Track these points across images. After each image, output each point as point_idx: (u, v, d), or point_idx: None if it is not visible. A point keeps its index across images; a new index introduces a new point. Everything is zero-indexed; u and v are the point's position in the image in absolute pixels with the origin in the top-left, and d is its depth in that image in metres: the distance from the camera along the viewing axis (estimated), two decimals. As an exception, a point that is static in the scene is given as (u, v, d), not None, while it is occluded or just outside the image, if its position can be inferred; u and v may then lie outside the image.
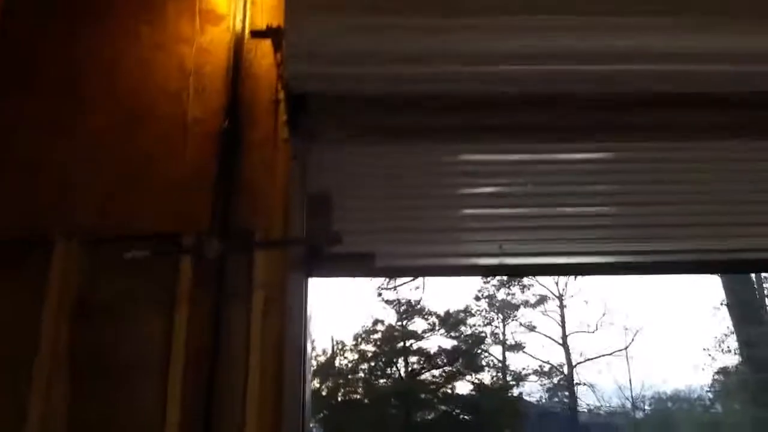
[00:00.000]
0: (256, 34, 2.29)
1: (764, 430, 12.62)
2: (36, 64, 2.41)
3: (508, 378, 20.89)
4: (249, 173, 2.30)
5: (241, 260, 2.16)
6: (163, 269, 2.15)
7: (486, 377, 20.94)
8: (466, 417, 26.06)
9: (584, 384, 20.51)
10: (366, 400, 26.52)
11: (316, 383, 19.27)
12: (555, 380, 21.10)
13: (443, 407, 26.87)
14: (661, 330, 24.70)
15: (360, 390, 26.38)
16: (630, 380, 19.82)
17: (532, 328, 18.74)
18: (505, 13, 2.09)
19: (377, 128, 2.49)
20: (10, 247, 2.19)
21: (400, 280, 16.04)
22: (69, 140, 2.32)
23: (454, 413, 26.41)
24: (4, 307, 2.14)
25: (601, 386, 20.78)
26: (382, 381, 21.50)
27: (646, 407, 20.81)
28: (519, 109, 2.39)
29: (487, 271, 2.65)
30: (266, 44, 2.32)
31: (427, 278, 13.71)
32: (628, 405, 19.98)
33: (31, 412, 2.00)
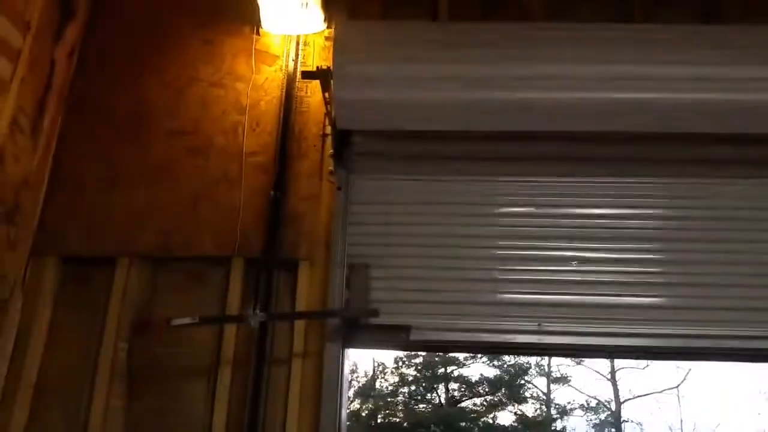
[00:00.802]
0: (307, 74, 2.46)
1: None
2: (105, 110, 2.64)
3: (552, 411, 20.37)
4: (296, 202, 2.47)
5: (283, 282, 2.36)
6: (216, 288, 2.38)
7: (529, 409, 20.46)
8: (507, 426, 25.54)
9: (632, 422, 19.78)
10: (405, 424, 26.26)
11: (356, 404, 19.25)
12: (602, 416, 20.43)
13: (486, 420, 26.35)
14: (715, 369, 23.66)
15: (399, 414, 26.15)
16: (681, 421, 19.01)
17: (579, 361, 18.32)
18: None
19: (418, 161, 2.63)
20: (80, 264, 2.43)
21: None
22: (136, 170, 2.54)
23: (495, 426, 25.86)
24: (70, 321, 2.36)
25: (649, 425, 20.01)
26: (421, 406, 21.32)
27: (698, 432, 19.88)
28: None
29: (524, 350, 2.56)
30: (315, 83, 2.50)
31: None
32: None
33: (92, 418, 2.20)
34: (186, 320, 2.17)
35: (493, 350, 2.56)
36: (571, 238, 2.49)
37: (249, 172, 2.52)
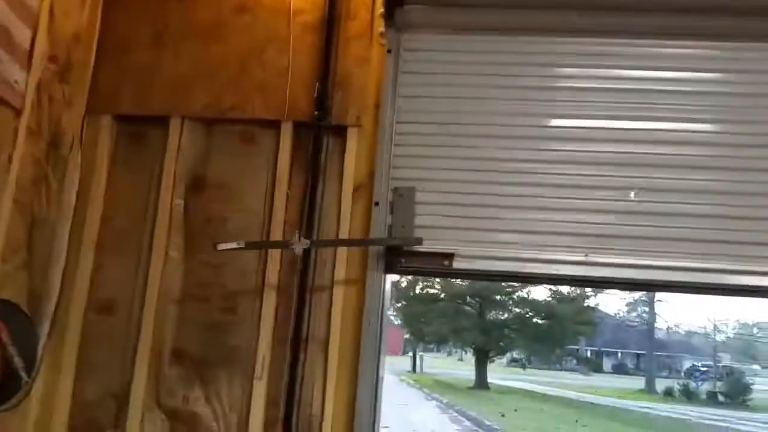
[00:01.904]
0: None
1: None
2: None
3: (587, 288, 20.80)
4: (345, 64, 2.41)
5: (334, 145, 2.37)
6: (267, 152, 2.40)
7: (564, 286, 20.97)
8: (538, 320, 26.62)
9: (665, 302, 20.05)
10: (442, 295, 27.44)
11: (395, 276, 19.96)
12: (636, 295, 20.76)
13: (517, 309, 27.48)
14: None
15: (437, 286, 27.19)
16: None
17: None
18: None
19: (471, 25, 2.50)
20: (134, 123, 2.47)
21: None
22: (183, 29, 2.50)
23: (527, 316, 26.99)
24: (126, 178, 2.44)
25: (683, 305, 20.29)
26: (458, 280, 22.04)
27: (729, 332, 20.23)
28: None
29: (570, 282, 2.42)
30: (365, -61, 2.34)
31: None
32: (710, 327, 19.49)
33: (152, 273, 2.33)
34: (232, 245, 2.20)
35: (538, 281, 2.53)
36: (630, 165, 2.35)
37: (297, 33, 2.44)
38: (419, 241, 2.26)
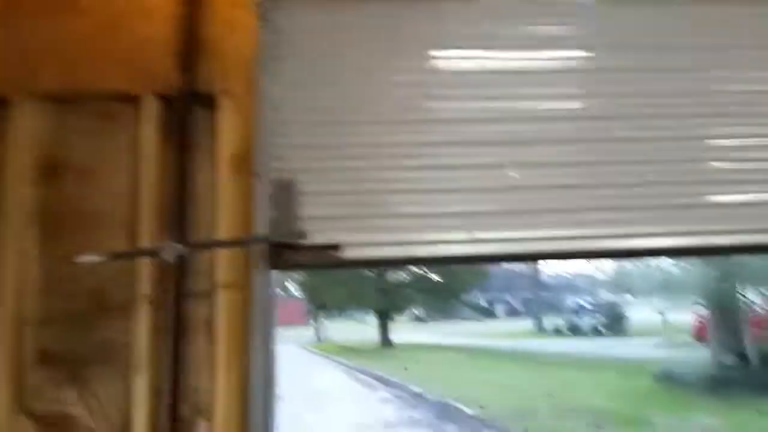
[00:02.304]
0: None
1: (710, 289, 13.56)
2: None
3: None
4: (214, 32, 2.30)
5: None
6: (130, 130, 2.24)
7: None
8: (434, 277, 27.60)
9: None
10: (340, 262, 27.43)
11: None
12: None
13: (414, 269, 28.23)
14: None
15: (334, 253, 27.10)
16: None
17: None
18: None
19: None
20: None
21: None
22: (37, 9, 2.29)
23: (423, 274, 27.82)
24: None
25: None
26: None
27: (608, 270, 21.97)
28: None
29: (458, 261, 2.48)
30: None
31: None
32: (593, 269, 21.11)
33: (6, 270, 2.15)
34: (93, 257, 2.04)
35: (428, 263, 2.56)
36: (508, 143, 2.44)
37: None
38: (303, 236, 2.21)
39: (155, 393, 2.13)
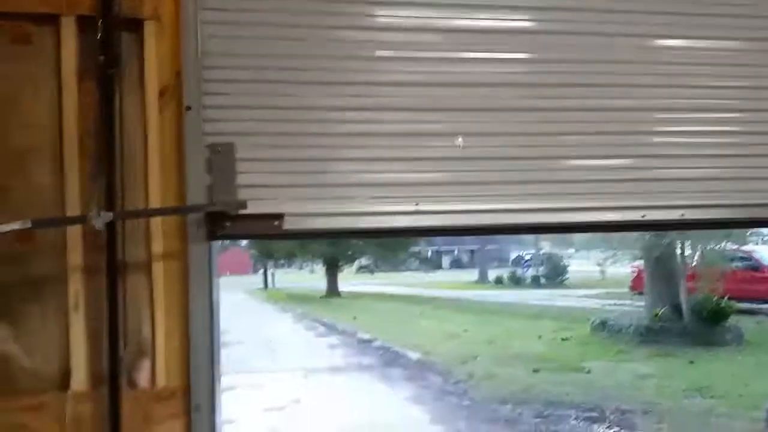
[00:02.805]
0: None
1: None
2: None
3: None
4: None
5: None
6: (49, 54, 2.02)
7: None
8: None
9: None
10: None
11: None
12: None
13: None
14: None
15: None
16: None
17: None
18: None
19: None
20: None
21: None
22: None
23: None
24: None
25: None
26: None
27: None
28: None
29: (403, 233, 2.40)
30: None
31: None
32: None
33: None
34: (15, 225, 1.85)
35: (372, 234, 2.47)
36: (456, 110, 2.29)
37: None
38: (243, 205, 2.05)
39: (94, 334, 2.04)
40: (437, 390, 8.81)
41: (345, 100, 2.24)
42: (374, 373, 10.16)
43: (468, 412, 7.43)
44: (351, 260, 32.19)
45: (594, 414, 6.99)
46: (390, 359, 11.43)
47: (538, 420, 6.88)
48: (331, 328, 16.20)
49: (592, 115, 2.38)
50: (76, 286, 2.03)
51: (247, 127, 2.16)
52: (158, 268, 2.07)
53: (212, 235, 2.10)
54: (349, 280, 32.49)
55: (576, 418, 6.85)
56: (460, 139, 2.28)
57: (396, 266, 42.60)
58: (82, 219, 1.96)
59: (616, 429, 6.41)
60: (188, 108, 2.09)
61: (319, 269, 32.53)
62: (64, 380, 2.02)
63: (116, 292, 2.02)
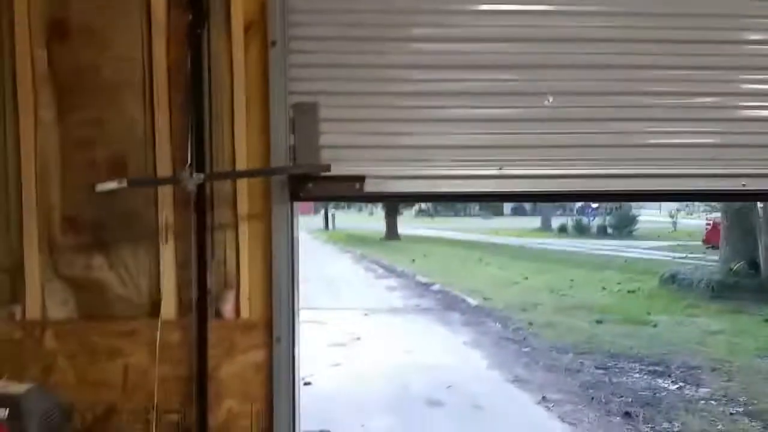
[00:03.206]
0: None
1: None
2: None
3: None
4: None
5: None
6: None
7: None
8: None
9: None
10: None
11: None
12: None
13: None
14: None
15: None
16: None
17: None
18: None
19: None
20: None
21: None
22: None
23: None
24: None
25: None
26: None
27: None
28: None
29: (486, 197, 2.31)
30: None
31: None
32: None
33: (23, 137, 2.08)
34: (112, 184, 1.92)
35: (453, 199, 2.37)
36: (545, 67, 2.15)
37: None
38: (327, 168, 2.06)
39: (182, 266, 2.12)
40: (496, 336, 8.83)
41: (428, 58, 2.16)
42: (432, 317, 10.26)
43: (527, 359, 7.44)
44: (411, 204, 32.22)
45: (659, 368, 6.84)
46: (449, 303, 11.50)
47: (600, 371, 6.81)
48: (390, 270, 16.39)
49: (689, 74, 2.19)
50: (166, 220, 2.10)
51: (331, 86, 2.13)
52: (243, 208, 2.13)
53: (295, 196, 2.14)
54: (409, 224, 32.64)
55: (640, 372, 6.75)
56: (550, 98, 2.15)
57: (456, 211, 42.42)
58: (175, 180, 2.04)
59: (681, 384, 6.28)
60: (273, 44, 2.08)
61: (379, 212, 32.80)
62: (154, 309, 2.12)
63: (204, 227, 2.09)
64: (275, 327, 2.13)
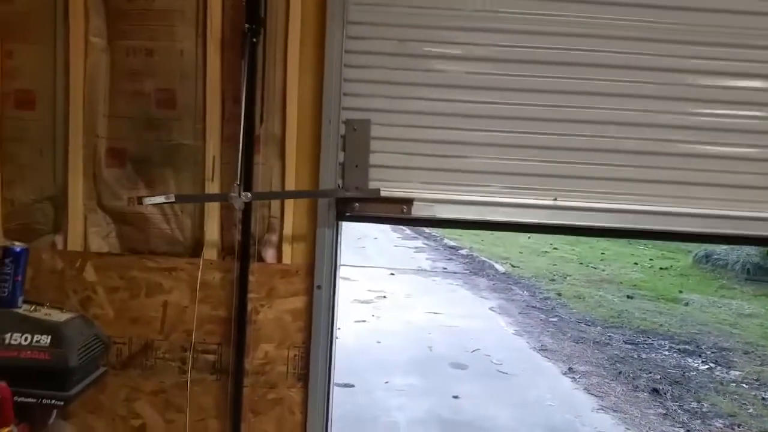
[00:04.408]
0: None
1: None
2: None
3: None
4: None
5: None
6: None
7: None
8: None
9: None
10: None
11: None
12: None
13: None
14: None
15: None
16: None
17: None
18: None
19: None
20: None
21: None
22: None
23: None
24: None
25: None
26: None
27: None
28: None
29: (538, 229, 2.15)
30: None
31: None
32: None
33: (73, 62, 2.03)
34: (160, 198, 1.89)
35: (503, 228, 2.24)
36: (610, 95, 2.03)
37: None
38: (376, 194, 2.01)
39: (227, 206, 2.07)
40: (523, 304, 8.77)
41: (484, 79, 2.04)
42: (459, 280, 10.24)
43: (554, 329, 7.38)
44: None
45: (689, 347, 6.73)
46: (476, 268, 11.45)
47: (629, 346, 6.72)
48: (418, 232, 16.36)
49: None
50: (213, 157, 2.05)
51: (383, 103, 2.05)
52: (291, 144, 2.07)
53: (341, 215, 2.09)
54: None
55: (669, 350, 6.64)
56: (612, 128, 2.03)
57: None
58: (223, 197, 2.01)
59: (712, 365, 6.16)
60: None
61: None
62: (196, 248, 2.09)
63: (250, 163, 2.03)
64: (316, 275, 2.09)
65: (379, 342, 6.47)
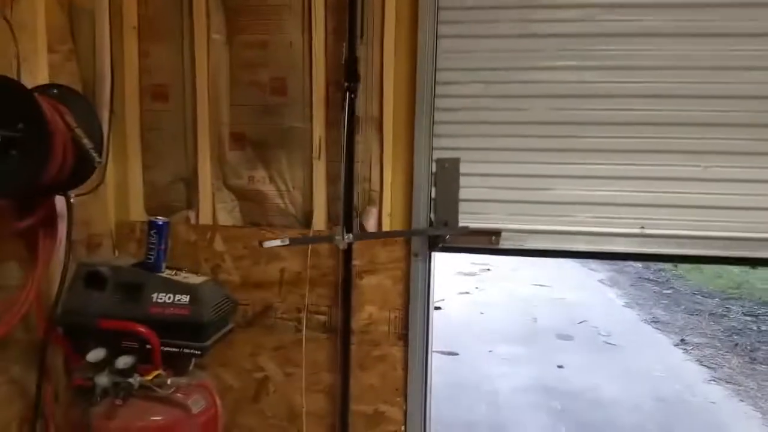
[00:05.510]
0: None
1: None
2: None
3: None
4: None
5: None
6: None
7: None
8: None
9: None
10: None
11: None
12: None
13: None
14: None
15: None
16: None
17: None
18: None
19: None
20: None
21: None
22: None
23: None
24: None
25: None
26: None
27: None
28: None
29: (625, 257, 2.25)
30: None
31: None
32: None
33: (198, 58, 2.30)
34: (277, 242, 2.10)
35: (591, 256, 2.28)
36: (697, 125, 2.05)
37: None
38: (465, 231, 2.18)
39: (332, 181, 2.29)
40: (635, 276, 8.50)
41: (567, 114, 2.13)
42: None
43: (668, 301, 7.12)
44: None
45: (817, 321, 6.28)
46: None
47: (748, 317, 6.37)
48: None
49: None
50: (320, 138, 2.26)
51: (471, 142, 2.20)
52: (388, 123, 2.24)
53: (433, 246, 2.26)
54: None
55: (795, 323, 6.23)
56: (702, 164, 2.06)
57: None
58: (329, 238, 2.24)
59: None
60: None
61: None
62: (306, 220, 2.32)
63: (353, 144, 2.22)
64: (413, 242, 2.26)
65: (482, 313, 6.57)
